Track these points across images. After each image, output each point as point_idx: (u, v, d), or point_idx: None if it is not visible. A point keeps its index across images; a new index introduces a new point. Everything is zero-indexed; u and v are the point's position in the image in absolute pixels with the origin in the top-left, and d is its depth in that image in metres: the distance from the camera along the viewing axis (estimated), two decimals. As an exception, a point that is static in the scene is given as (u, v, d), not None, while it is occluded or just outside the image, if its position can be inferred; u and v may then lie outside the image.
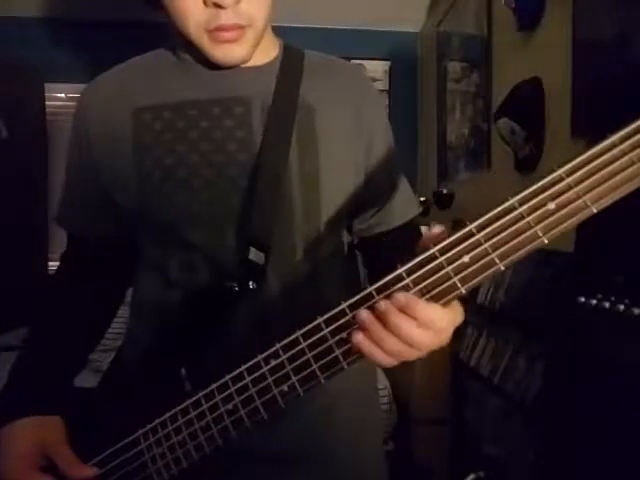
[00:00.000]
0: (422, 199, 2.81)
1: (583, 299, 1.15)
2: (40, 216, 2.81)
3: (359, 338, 0.52)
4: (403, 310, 0.50)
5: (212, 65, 0.75)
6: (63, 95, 3.08)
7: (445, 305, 0.52)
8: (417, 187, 3.30)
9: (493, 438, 1.77)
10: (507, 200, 0.49)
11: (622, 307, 1.06)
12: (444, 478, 2.13)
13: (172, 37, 0.80)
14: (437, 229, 0.51)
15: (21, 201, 2.77)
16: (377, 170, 0.82)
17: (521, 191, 0.48)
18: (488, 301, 1.85)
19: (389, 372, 2.52)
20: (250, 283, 0.73)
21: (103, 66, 0.83)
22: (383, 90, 3.31)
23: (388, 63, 3.33)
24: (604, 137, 0.46)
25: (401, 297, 0.50)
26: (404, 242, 0.83)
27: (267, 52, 0.80)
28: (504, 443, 1.68)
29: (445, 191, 2.65)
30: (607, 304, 1.10)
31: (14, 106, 2.83)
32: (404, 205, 0.87)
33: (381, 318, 0.51)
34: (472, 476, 1.76)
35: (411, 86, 3.38)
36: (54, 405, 0.73)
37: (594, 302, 1.13)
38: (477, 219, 0.49)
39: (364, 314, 0.52)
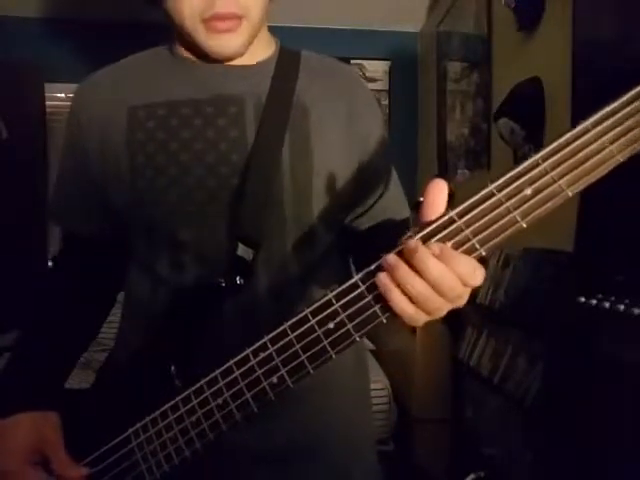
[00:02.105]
0: (422, 199, 2.81)
1: (583, 299, 1.15)
2: (40, 216, 2.81)
3: (385, 281, 0.52)
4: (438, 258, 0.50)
5: (208, 59, 0.75)
6: (63, 95, 3.08)
7: None
8: (417, 187, 3.30)
9: (493, 438, 1.77)
10: (486, 187, 0.50)
11: (622, 307, 1.06)
12: (444, 478, 2.13)
13: (171, 37, 0.81)
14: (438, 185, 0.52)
15: (21, 201, 2.78)
16: (370, 171, 0.82)
17: (499, 177, 0.50)
18: (488, 301, 1.85)
19: (389, 372, 2.52)
20: (237, 279, 0.73)
21: (103, 66, 0.82)
22: (383, 90, 3.31)
23: (388, 63, 3.33)
24: (578, 123, 0.48)
25: (435, 247, 0.50)
26: (396, 226, 0.82)
27: (263, 51, 0.80)
28: (504, 443, 1.68)
29: (445, 191, 2.65)
30: (607, 304, 1.10)
31: (14, 106, 2.84)
32: (395, 207, 0.87)
33: (410, 258, 0.50)
34: (472, 476, 1.76)
35: (411, 86, 3.38)
36: (50, 403, 0.73)
37: (594, 302, 1.13)
38: (457, 207, 0.51)
39: (391, 258, 0.51)
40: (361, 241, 0.86)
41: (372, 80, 3.26)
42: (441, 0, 2.95)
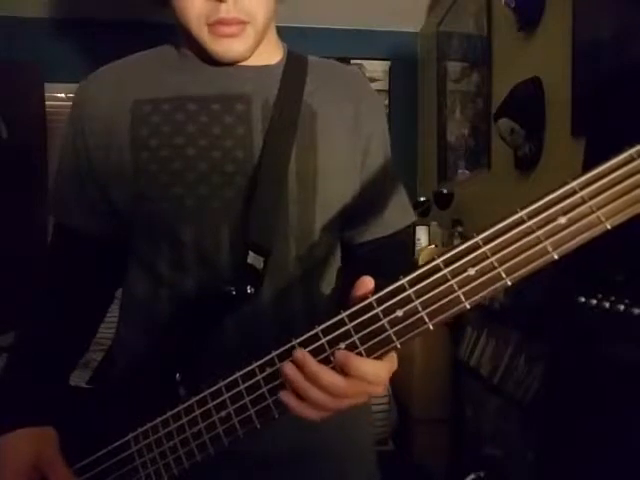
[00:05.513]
0: (422, 199, 2.81)
1: (583, 299, 1.15)
2: (40, 216, 2.81)
3: (284, 395, 0.55)
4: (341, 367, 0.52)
5: (213, 62, 0.75)
6: (63, 95, 3.08)
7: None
8: (417, 187, 3.30)
9: (493, 438, 1.77)
10: (516, 212, 0.46)
11: (622, 307, 1.06)
12: (444, 478, 2.13)
13: (176, 35, 0.80)
14: (367, 283, 0.53)
15: (21, 201, 2.78)
16: (373, 175, 0.81)
17: (531, 204, 0.46)
18: (488, 301, 1.85)
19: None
20: (248, 288, 0.71)
21: (103, 66, 0.82)
22: (383, 90, 3.31)
23: (388, 63, 3.33)
24: (621, 150, 0.43)
25: (340, 356, 0.52)
26: (390, 251, 0.83)
27: (271, 54, 0.80)
28: (504, 443, 1.68)
29: (445, 191, 2.65)
30: (607, 304, 1.10)
31: (14, 106, 2.84)
32: (398, 214, 0.86)
33: (301, 369, 0.53)
34: (472, 476, 1.76)
35: (411, 86, 3.38)
36: (48, 412, 0.72)
37: (594, 302, 1.13)
38: (484, 231, 0.47)
39: (288, 368, 0.53)
40: (360, 250, 0.85)
41: (372, 80, 3.25)
42: (441, 0, 2.95)
